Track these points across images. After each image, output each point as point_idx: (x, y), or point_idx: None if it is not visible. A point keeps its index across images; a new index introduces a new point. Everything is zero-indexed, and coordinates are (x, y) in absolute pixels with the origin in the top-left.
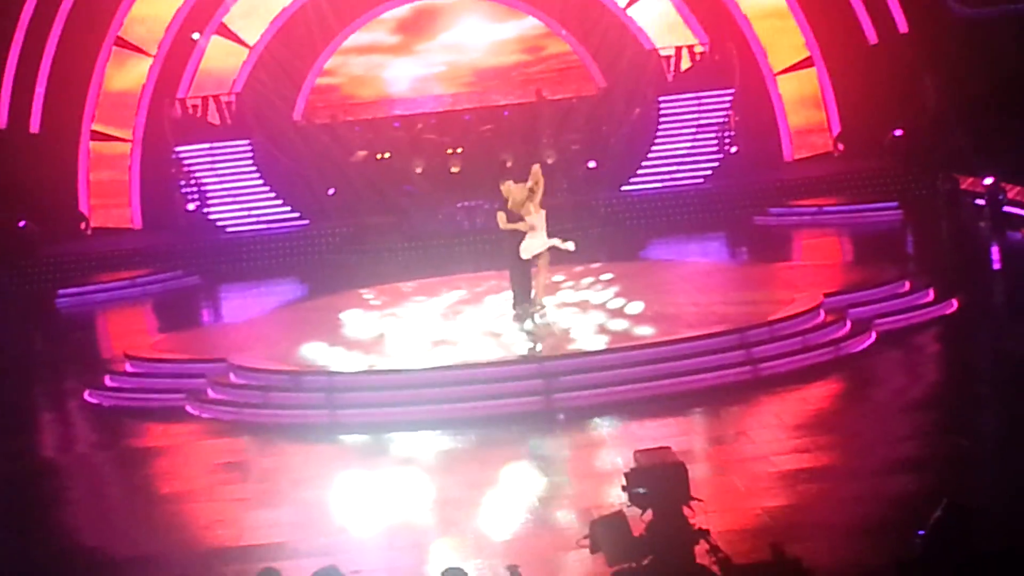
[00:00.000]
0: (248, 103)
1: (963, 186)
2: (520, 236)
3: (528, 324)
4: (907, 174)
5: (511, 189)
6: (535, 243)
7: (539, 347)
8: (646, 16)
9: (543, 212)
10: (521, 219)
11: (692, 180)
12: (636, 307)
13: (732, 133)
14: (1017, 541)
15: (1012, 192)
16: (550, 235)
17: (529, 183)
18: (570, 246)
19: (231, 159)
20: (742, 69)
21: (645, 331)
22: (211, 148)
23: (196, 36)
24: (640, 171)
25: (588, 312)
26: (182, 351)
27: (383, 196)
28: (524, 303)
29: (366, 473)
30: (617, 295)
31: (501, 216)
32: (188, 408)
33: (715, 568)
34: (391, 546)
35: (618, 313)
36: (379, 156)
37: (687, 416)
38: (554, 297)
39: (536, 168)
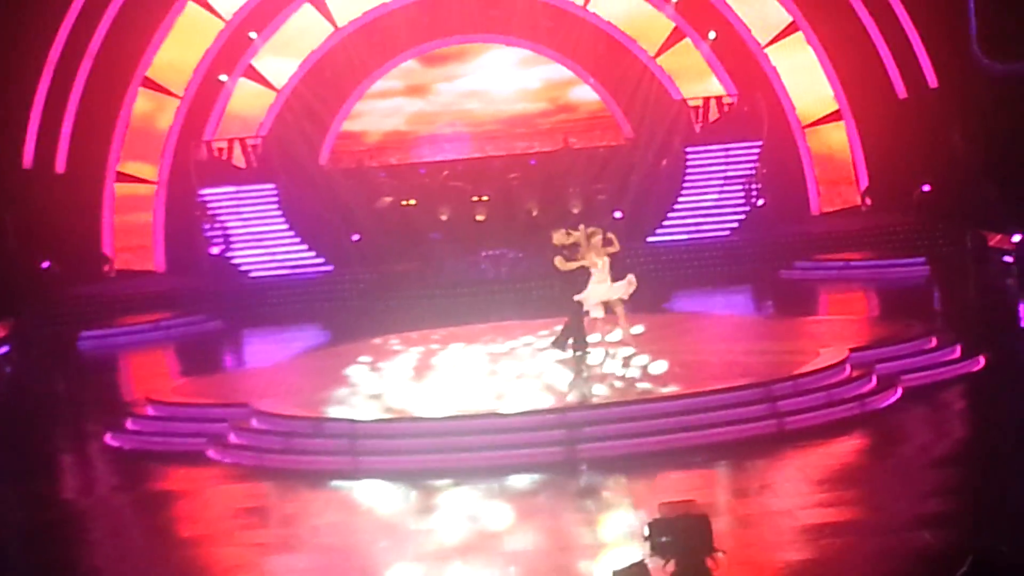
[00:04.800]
0: (274, 146)
1: (991, 243)
2: (578, 278)
3: (566, 354)
4: (934, 230)
5: (568, 236)
6: (599, 289)
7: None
8: (675, 66)
9: (606, 259)
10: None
11: (718, 232)
12: (661, 358)
13: (759, 185)
14: None
15: None
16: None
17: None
18: (630, 282)
19: (256, 203)
20: (770, 121)
21: (670, 383)
22: (236, 191)
23: (224, 78)
24: (666, 222)
25: (612, 362)
26: (204, 396)
27: (407, 243)
28: (570, 341)
29: (386, 520)
30: (642, 346)
31: (559, 260)
32: (209, 453)
33: None
34: None
35: (642, 364)
36: (404, 203)
37: (711, 469)
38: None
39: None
